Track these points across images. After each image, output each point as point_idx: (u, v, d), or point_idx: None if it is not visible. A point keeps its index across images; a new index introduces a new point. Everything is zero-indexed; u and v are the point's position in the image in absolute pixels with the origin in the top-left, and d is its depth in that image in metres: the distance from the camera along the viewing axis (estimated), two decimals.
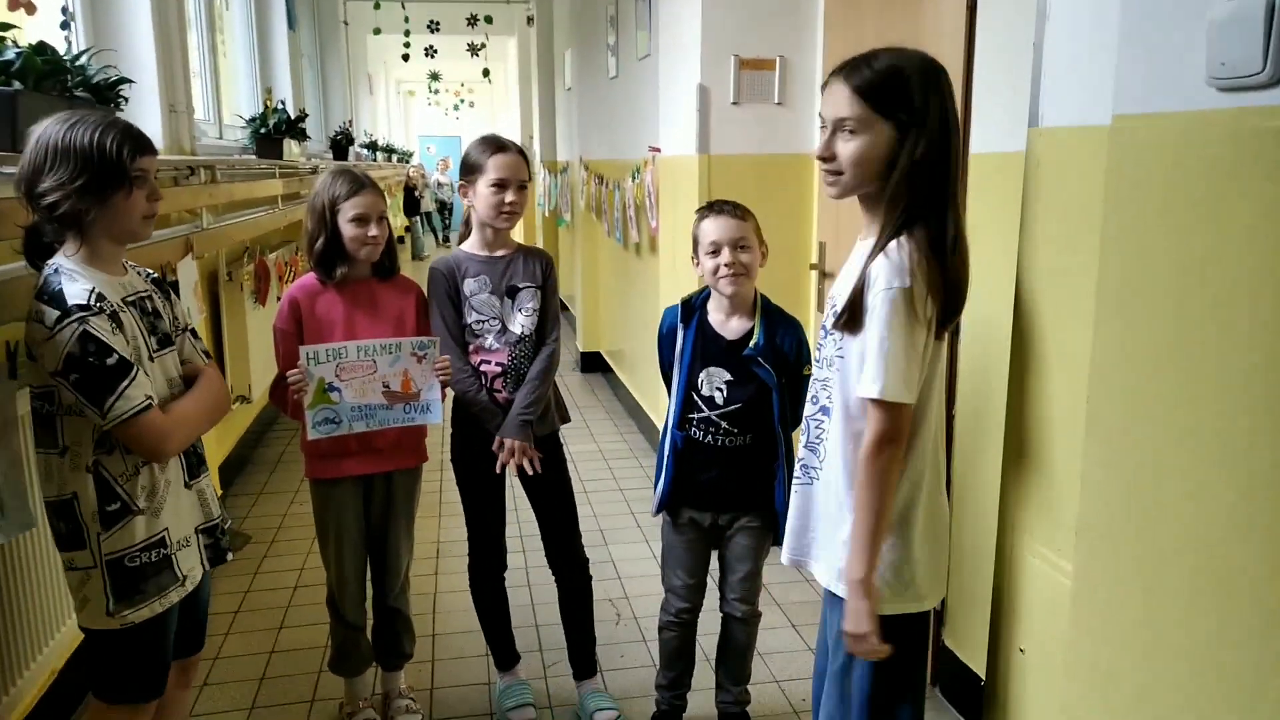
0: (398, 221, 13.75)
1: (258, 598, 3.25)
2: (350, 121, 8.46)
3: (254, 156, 4.81)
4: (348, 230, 2.25)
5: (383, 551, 2.43)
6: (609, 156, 5.73)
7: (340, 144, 7.95)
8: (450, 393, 2.35)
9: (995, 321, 2.13)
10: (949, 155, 1.53)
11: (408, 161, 16.18)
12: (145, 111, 3.27)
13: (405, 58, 10.42)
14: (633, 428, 5.34)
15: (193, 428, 1.82)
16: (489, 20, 9.99)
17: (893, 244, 1.52)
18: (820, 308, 3.36)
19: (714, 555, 2.34)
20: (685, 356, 2.21)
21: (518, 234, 2.79)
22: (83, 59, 2.61)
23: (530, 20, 9.57)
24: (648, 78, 4.43)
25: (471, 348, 2.38)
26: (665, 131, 3.94)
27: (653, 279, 4.55)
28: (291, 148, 5.11)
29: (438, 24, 10.61)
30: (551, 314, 2.44)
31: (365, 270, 2.34)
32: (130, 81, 2.77)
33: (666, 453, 2.25)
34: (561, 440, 2.52)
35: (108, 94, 2.65)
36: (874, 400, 1.51)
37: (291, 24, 6.65)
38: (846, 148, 1.53)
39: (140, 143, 1.69)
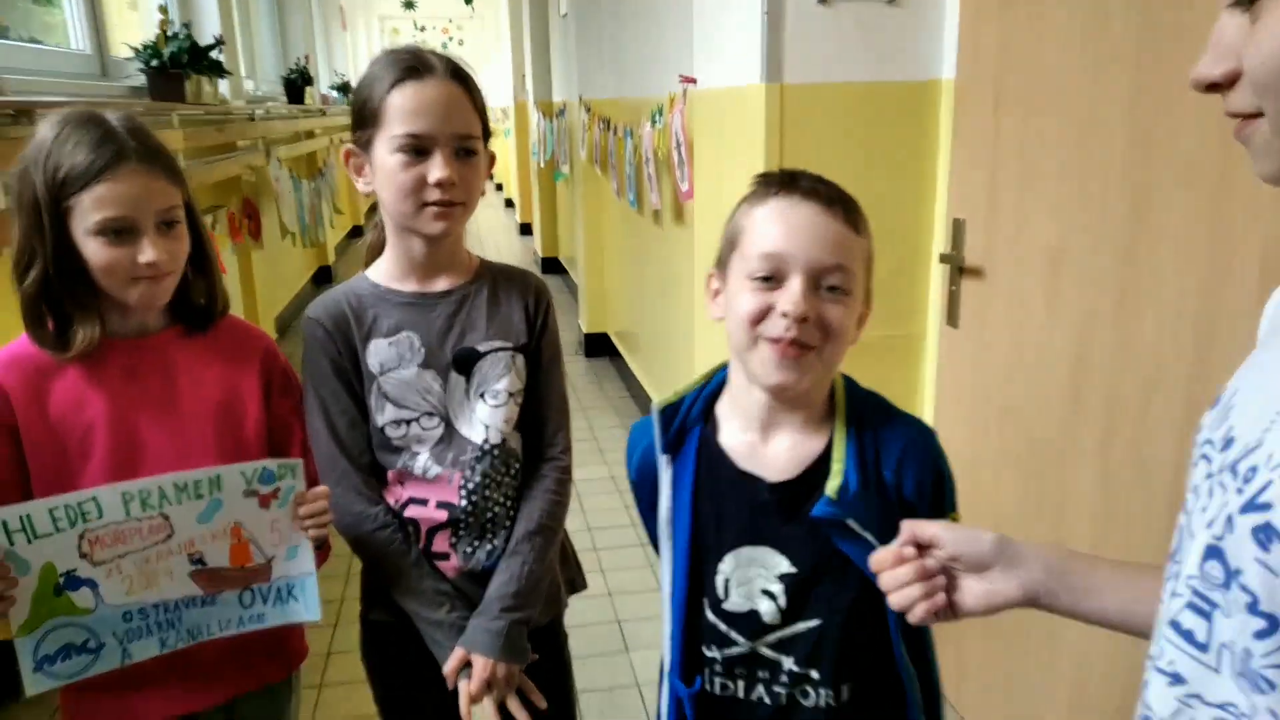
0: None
1: None
2: (306, 58, 7.17)
3: (147, 99, 3.59)
4: (93, 252, 1.08)
5: None
6: (617, 94, 4.51)
7: (295, 84, 6.69)
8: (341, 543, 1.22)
9: None
10: None
11: None
12: None
13: None
14: None
15: None
16: None
17: None
18: (953, 320, 2.17)
19: None
20: (679, 526, 1.03)
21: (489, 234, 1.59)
22: None
23: None
24: None
25: (390, 474, 1.23)
26: (704, 53, 2.73)
27: (680, 263, 3.37)
28: (202, 86, 3.89)
29: None
30: (554, 399, 1.29)
31: (152, 320, 1.18)
32: None
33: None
34: (565, 629, 1.38)
35: None
36: None
37: None
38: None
39: None
